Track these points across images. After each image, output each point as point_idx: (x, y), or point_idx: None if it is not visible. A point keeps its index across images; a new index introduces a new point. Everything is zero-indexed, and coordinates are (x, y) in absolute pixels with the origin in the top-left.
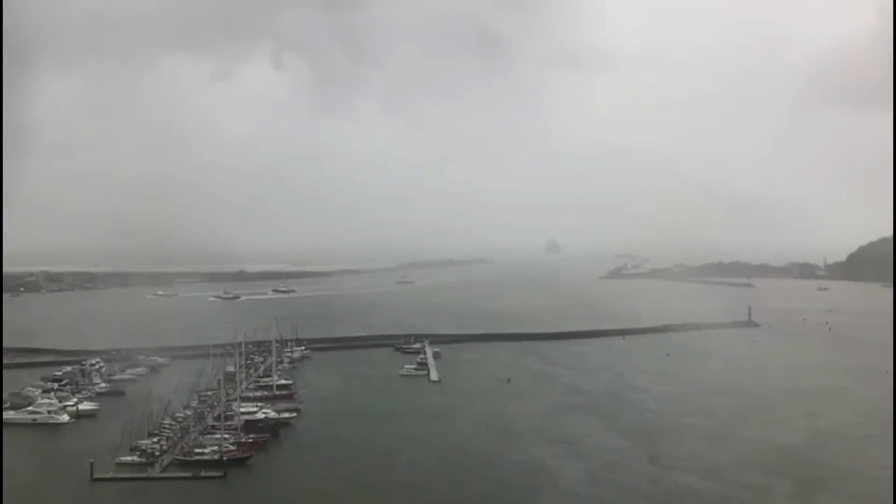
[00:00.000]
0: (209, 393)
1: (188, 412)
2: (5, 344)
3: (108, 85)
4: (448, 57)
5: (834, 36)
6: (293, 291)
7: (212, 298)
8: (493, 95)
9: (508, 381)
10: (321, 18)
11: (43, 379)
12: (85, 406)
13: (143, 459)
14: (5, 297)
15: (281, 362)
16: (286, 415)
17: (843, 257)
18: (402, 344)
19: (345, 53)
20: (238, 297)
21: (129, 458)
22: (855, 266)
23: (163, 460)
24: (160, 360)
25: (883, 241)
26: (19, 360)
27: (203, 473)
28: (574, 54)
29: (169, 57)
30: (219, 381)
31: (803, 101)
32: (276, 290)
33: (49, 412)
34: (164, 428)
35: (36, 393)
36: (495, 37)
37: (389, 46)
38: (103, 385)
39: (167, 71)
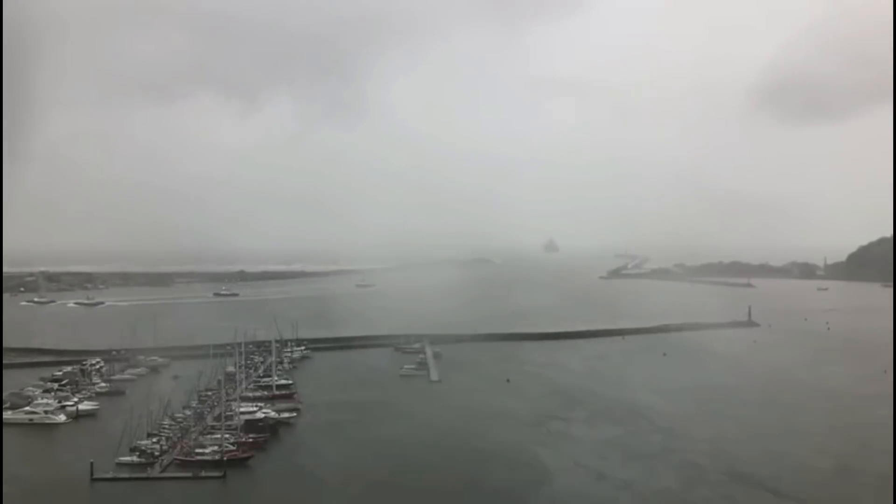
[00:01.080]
0: (209, 393)
1: (188, 412)
2: (5, 344)
3: (120, 105)
4: (445, 80)
5: (832, 39)
6: (236, 295)
7: (71, 305)
8: (491, 109)
9: (508, 381)
10: (328, 57)
11: (43, 379)
12: (85, 406)
13: (143, 459)
14: (5, 296)
15: (281, 362)
16: (286, 414)
17: (843, 257)
18: (402, 344)
19: (346, 84)
20: (101, 304)
21: (129, 458)
22: (855, 266)
23: (163, 460)
24: (160, 360)
25: (883, 241)
26: (19, 360)
27: (203, 473)
28: (561, 79)
29: (181, 84)
30: (219, 381)
31: (803, 104)
32: (217, 294)
33: (46, 412)
34: (164, 428)
35: (36, 393)
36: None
37: (390, 77)
38: (103, 385)
39: (179, 95)
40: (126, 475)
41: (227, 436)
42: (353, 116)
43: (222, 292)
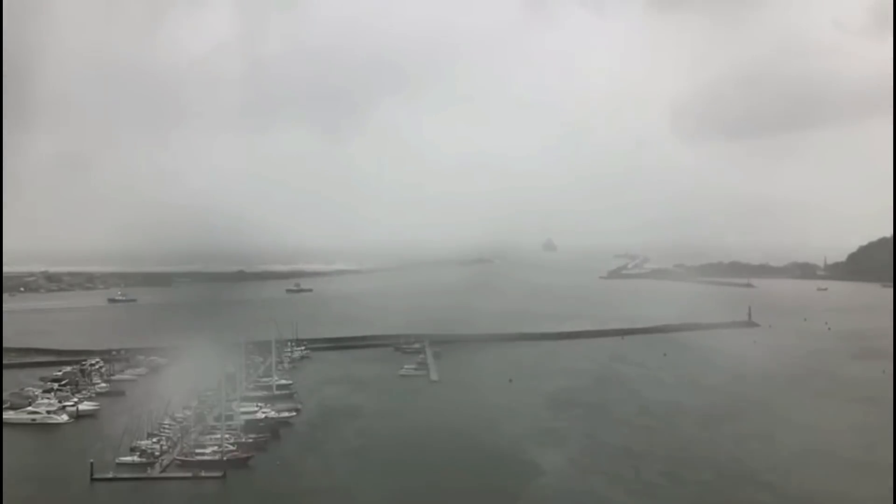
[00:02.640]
0: (209, 393)
1: (188, 412)
2: (5, 344)
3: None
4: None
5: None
6: (133, 300)
7: None
8: (494, 115)
9: (510, 381)
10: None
11: (43, 379)
12: (85, 406)
13: (143, 459)
14: (5, 296)
15: (281, 362)
16: (286, 414)
17: (843, 257)
18: (402, 344)
19: (352, 104)
20: None
21: (129, 459)
22: (855, 266)
23: (163, 460)
24: (160, 360)
25: (883, 241)
26: (19, 360)
27: (203, 473)
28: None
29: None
30: (219, 381)
31: (804, 106)
32: (111, 300)
33: (48, 412)
34: (164, 428)
35: (36, 393)
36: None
37: (391, 101)
38: (103, 385)
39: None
40: (126, 475)
41: (227, 436)
42: (356, 133)
43: (118, 298)
